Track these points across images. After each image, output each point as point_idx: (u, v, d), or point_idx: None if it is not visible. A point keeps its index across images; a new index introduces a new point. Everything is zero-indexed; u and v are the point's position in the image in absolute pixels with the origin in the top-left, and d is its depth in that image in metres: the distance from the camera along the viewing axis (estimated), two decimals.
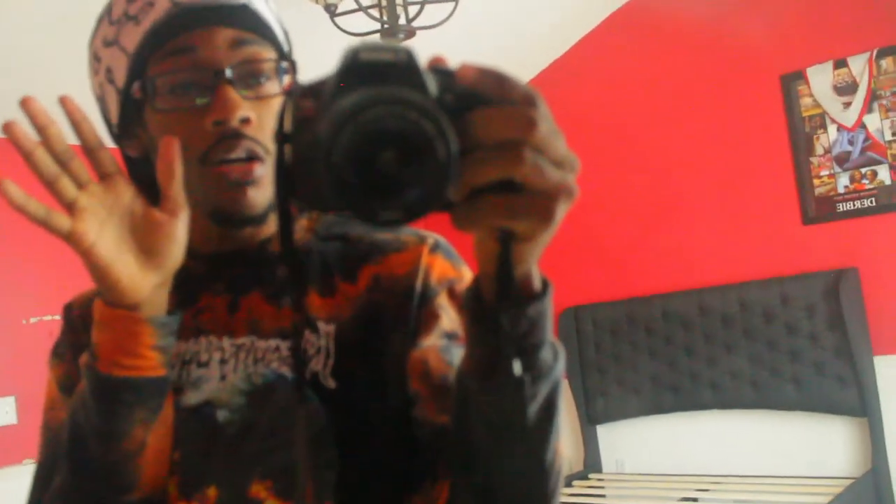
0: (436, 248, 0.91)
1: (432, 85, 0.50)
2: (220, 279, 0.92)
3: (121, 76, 0.87)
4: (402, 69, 0.49)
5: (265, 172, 0.85)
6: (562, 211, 0.52)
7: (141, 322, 0.79)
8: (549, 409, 0.66)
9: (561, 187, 0.52)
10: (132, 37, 0.85)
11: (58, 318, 1.00)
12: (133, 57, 0.85)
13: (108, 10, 0.90)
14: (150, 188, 0.94)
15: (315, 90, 0.52)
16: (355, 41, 0.51)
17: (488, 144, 0.50)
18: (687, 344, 4.16)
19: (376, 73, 0.49)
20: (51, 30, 3.05)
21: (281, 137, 0.54)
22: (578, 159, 0.53)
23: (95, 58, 0.91)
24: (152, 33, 0.84)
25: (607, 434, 4.46)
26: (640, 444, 4.38)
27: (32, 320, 3.64)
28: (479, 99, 0.50)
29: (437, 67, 0.52)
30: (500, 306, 0.59)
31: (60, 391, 0.95)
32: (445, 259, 0.91)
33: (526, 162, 0.50)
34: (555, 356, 0.65)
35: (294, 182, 0.53)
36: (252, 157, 0.84)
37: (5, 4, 2.90)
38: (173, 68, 0.84)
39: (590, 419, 4.43)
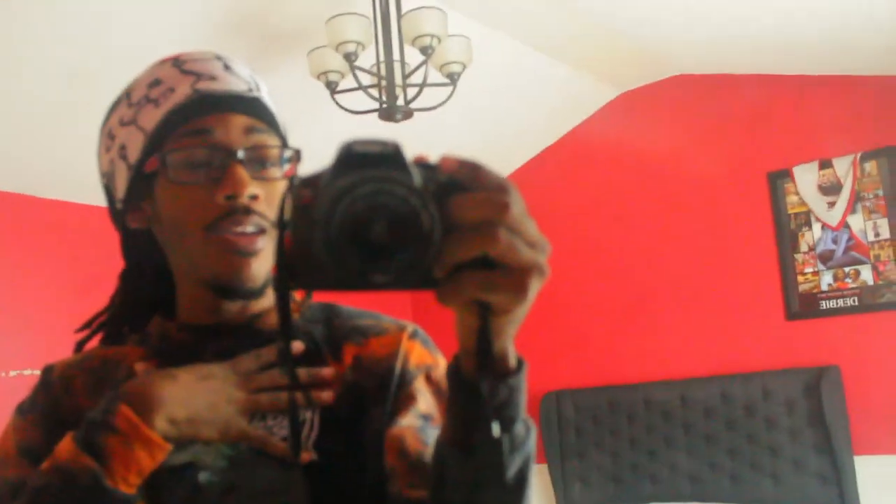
0: (414, 335, 0.97)
1: (417, 176, 0.55)
2: (207, 350, 0.94)
3: (135, 153, 0.92)
4: (391, 158, 0.55)
5: (267, 245, 0.89)
6: (535, 287, 0.57)
7: (165, 451, 0.84)
8: (521, 481, 0.69)
9: (533, 265, 0.56)
10: (151, 117, 0.91)
11: (38, 372, 1.00)
12: (151, 135, 0.91)
13: (126, 94, 0.96)
14: (143, 259, 0.99)
15: (312, 180, 0.56)
16: (350, 134, 0.56)
17: (467, 225, 0.55)
18: (667, 434, 4.15)
19: (368, 162, 0.54)
20: (50, 82, 3.12)
21: (281, 223, 0.60)
22: (549, 242, 0.58)
23: (109, 136, 0.96)
24: (171, 115, 0.90)
25: None
26: None
27: (12, 374, 3.61)
28: (458, 187, 0.56)
29: (421, 162, 0.57)
30: (480, 376, 0.63)
31: (19, 453, 0.93)
32: (423, 346, 0.96)
33: (500, 240, 0.55)
34: (527, 431, 0.69)
35: (293, 263, 0.58)
36: (259, 231, 0.89)
37: (5, 57, 2.96)
38: (189, 146, 0.89)
39: None
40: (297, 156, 0.94)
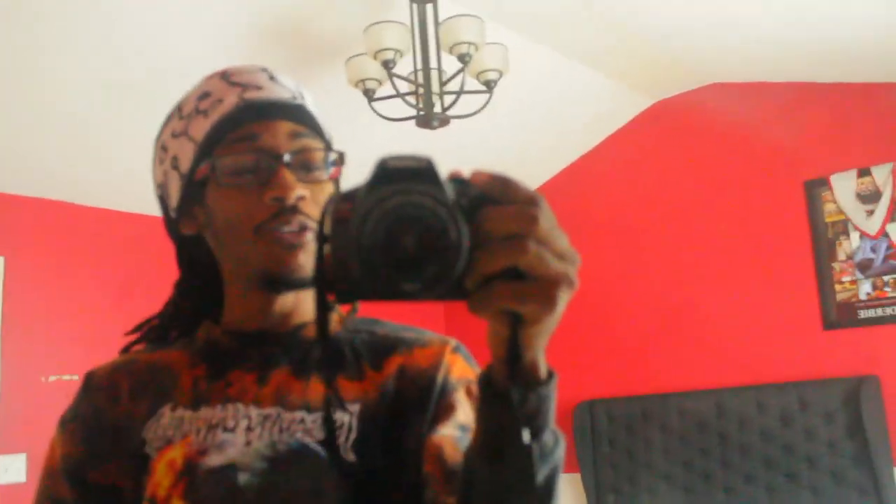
0: (457, 349, 0.99)
1: (450, 190, 0.58)
2: (251, 356, 0.97)
3: (186, 162, 0.96)
4: (423, 173, 0.57)
5: (312, 241, 0.92)
6: (563, 298, 0.58)
7: None
8: (549, 490, 0.70)
9: (561, 276, 0.57)
10: (201, 127, 0.95)
11: (76, 378, 1.02)
12: (201, 144, 0.95)
13: (178, 108, 1.00)
14: (197, 264, 1.03)
15: (351, 195, 0.59)
16: (387, 142, 0.57)
17: (496, 237, 0.57)
18: (702, 444, 4.12)
19: (402, 176, 0.57)
20: (94, 94, 3.17)
21: (321, 236, 0.62)
22: (579, 255, 0.60)
23: (163, 148, 1.01)
24: (220, 124, 0.94)
25: None
26: None
27: (51, 378, 3.67)
28: (489, 200, 0.58)
29: (454, 177, 0.60)
30: (510, 384, 0.64)
31: (62, 471, 0.97)
32: (465, 361, 0.99)
33: (529, 252, 0.56)
34: (555, 441, 0.70)
35: (330, 275, 0.60)
36: (304, 229, 0.92)
37: (52, 68, 3.02)
38: (238, 151, 0.93)
39: None
40: (341, 158, 0.97)
